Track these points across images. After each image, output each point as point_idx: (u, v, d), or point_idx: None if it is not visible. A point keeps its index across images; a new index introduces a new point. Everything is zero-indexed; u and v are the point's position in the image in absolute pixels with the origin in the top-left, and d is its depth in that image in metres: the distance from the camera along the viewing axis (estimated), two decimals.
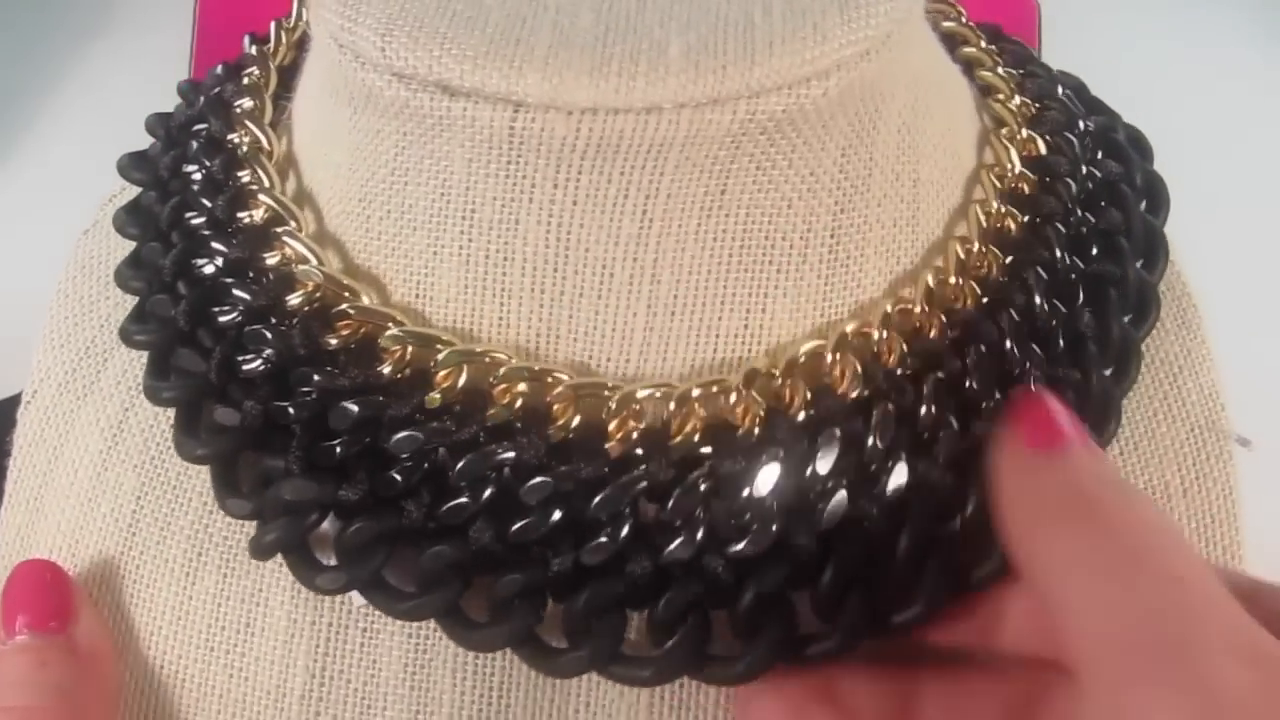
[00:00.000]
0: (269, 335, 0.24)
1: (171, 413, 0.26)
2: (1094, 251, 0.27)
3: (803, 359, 0.23)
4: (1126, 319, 0.27)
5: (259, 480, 0.25)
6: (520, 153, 0.21)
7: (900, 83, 0.24)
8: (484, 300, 0.23)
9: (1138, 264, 0.28)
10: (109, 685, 0.25)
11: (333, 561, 0.24)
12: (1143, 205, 0.29)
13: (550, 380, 0.23)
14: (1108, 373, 0.26)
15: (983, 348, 0.24)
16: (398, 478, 0.23)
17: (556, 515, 0.23)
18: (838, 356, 0.23)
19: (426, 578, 0.23)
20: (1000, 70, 0.29)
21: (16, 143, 0.61)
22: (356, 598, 0.25)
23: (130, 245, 0.28)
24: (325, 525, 0.24)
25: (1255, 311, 0.53)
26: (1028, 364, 0.25)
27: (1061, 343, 0.26)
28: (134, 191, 0.29)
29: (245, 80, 0.28)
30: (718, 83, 0.20)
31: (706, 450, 0.23)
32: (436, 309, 0.24)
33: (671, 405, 0.23)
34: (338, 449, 0.24)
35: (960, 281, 0.25)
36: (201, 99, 0.29)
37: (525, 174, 0.22)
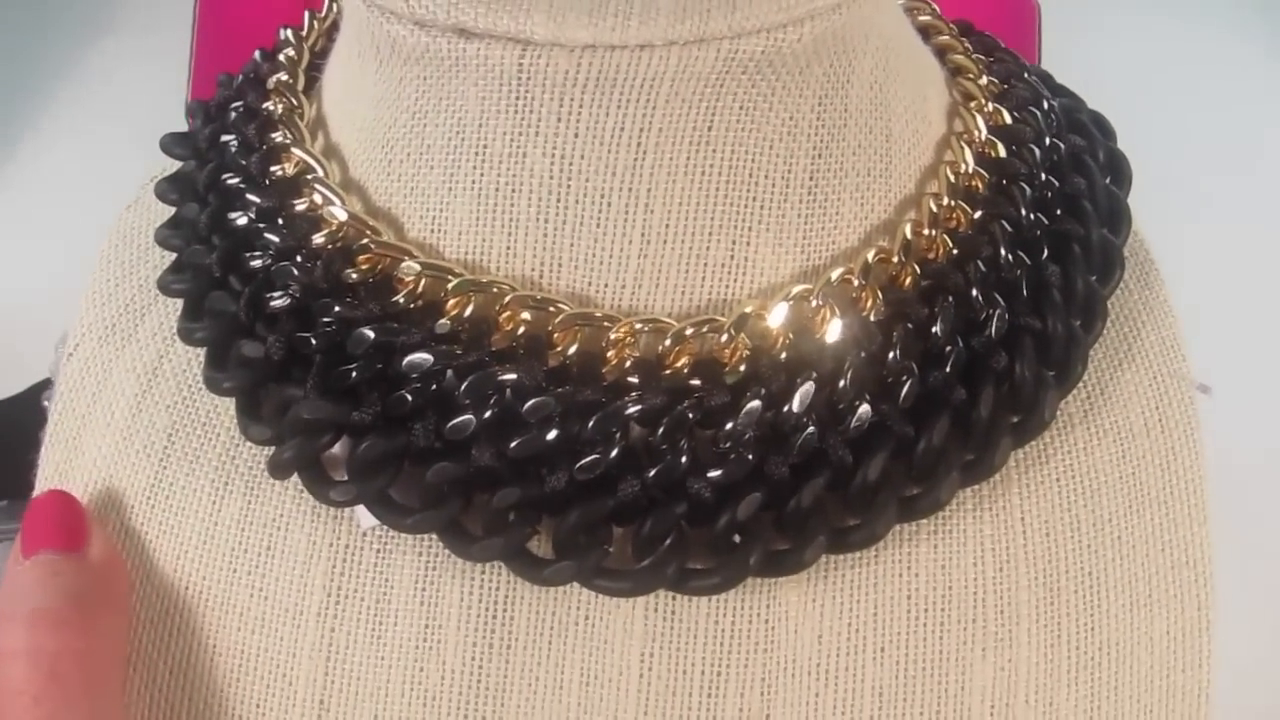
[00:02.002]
0: (295, 272, 0.26)
1: (203, 359, 0.28)
2: (1059, 212, 0.29)
3: (790, 304, 0.25)
4: (1093, 278, 0.29)
5: (280, 409, 0.27)
6: (528, 88, 0.24)
7: (871, 42, 0.26)
8: (493, 231, 0.25)
9: (1102, 229, 0.30)
10: (119, 595, 0.27)
11: (346, 478, 0.26)
12: (1107, 180, 0.32)
13: (552, 309, 0.25)
14: (1076, 324, 0.28)
15: (950, 299, 0.27)
16: (408, 397, 0.25)
17: (553, 434, 0.25)
18: (820, 302, 0.26)
19: (430, 494, 0.25)
20: (971, 55, 0.31)
21: (16, 143, 0.63)
22: (364, 520, 0.27)
23: (170, 214, 0.31)
24: (339, 449, 0.26)
25: (1255, 308, 0.54)
26: (992, 311, 0.27)
27: (1025, 292, 0.28)
28: (174, 168, 0.32)
29: (281, 58, 0.30)
30: (702, 23, 0.23)
31: (696, 383, 0.25)
32: (450, 242, 0.26)
33: (667, 341, 0.25)
34: (353, 374, 0.26)
35: (933, 233, 0.27)
36: (240, 78, 0.31)
37: (532, 109, 0.24)
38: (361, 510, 0.27)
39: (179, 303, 0.29)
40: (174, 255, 0.30)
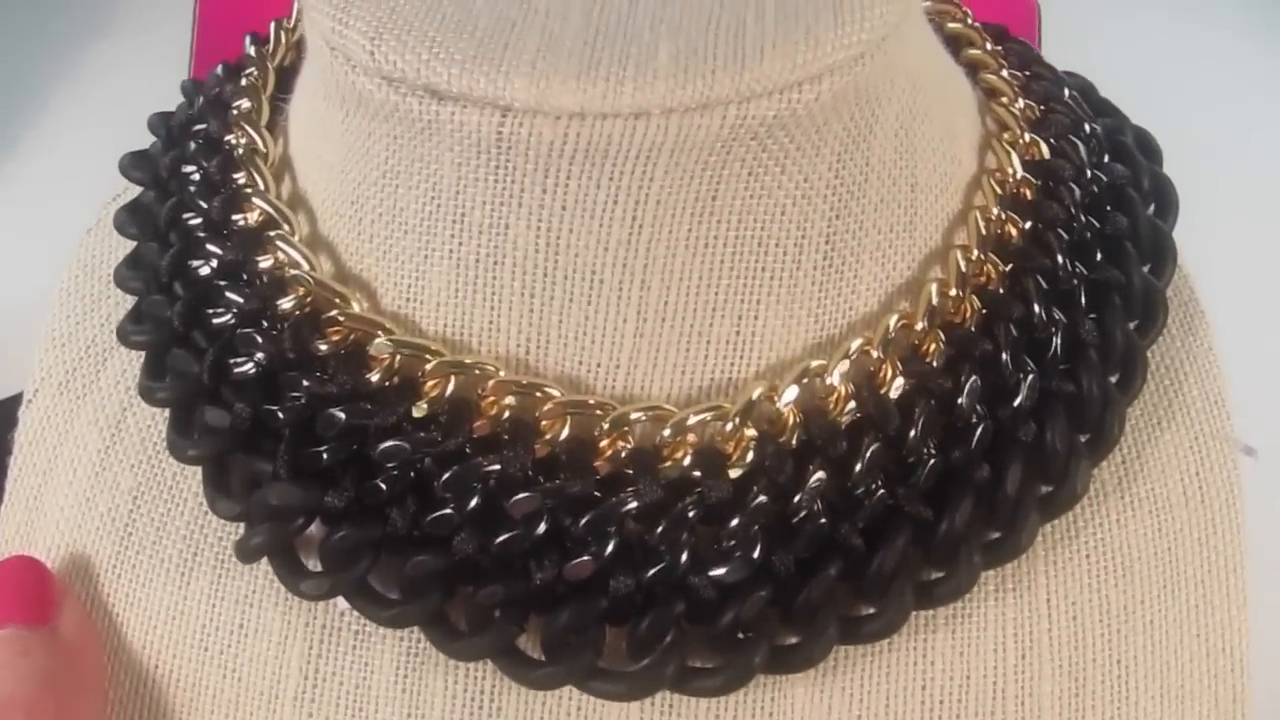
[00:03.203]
0: (259, 339, 0.24)
1: (169, 413, 0.26)
2: (1098, 257, 0.27)
3: (803, 383, 0.23)
4: (1132, 325, 0.27)
5: (248, 482, 0.25)
6: (509, 157, 0.21)
7: (897, 86, 0.23)
8: (474, 305, 0.23)
9: (1145, 269, 0.28)
10: (93, 675, 0.26)
11: (318, 567, 0.24)
12: (1151, 209, 0.29)
13: (540, 395, 0.23)
14: (1113, 380, 0.26)
15: (975, 373, 0.24)
16: (383, 486, 0.23)
17: (541, 529, 0.23)
18: (835, 380, 0.23)
19: (410, 586, 0.23)
20: (1004, 73, 0.28)
21: (16, 143, 0.61)
22: (342, 600, 0.25)
23: (131, 245, 0.28)
24: (313, 529, 0.24)
25: (1259, 314, 0.52)
26: (1022, 377, 0.25)
27: (1060, 351, 0.25)
28: (136, 191, 0.29)
29: (244, 81, 0.28)
30: (706, 88, 0.20)
31: (697, 474, 0.23)
32: (426, 313, 0.23)
33: (666, 430, 0.23)
34: (324, 455, 0.24)
35: (960, 293, 0.25)
36: (201, 99, 0.29)
37: (514, 178, 0.21)
38: None
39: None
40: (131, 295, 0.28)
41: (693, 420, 0.23)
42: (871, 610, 0.24)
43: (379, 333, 0.23)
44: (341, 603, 0.25)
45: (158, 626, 0.26)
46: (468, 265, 0.23)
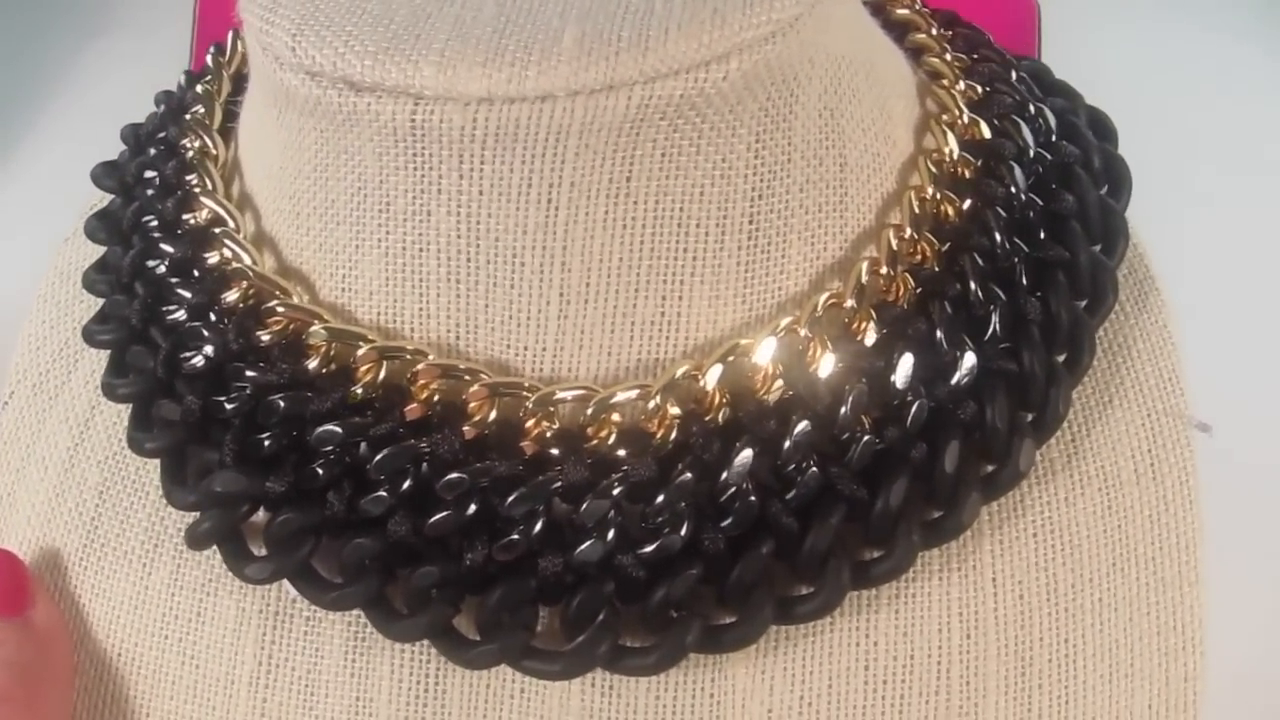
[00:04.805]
0: (206, 333, 0.25)
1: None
2: (1042, 236, 0.27)
3: (727, 361, 0.23)
4: (1081, 304, 0.27)
5: (201, 472, 0.25)
6: (424, 144, 0.22)
7: (818, 66, 0.24)
8: (404, 293, 0.24)
9: (1095, 248, 0.27)
10: (63, 666, 0.26)
11: (264, 552, 0.24)
12: (1104, 190, 0.29)
13: (468, 378, 0.23)
14: (1061, 359, 0.26)
15: (910, 348, 0.24)
16: (319, 471, 0.24)
17: (471, 509, 0.23)
18: (758, 359, 0.23)
19: (349, 568, 0.24)
20: (947, 56, 0.28)
21: (16, 143, 0.62)
22: (290, 588, 0.26)
23: (102, 251, 0.30)
24: (260, 516, 0.25)
25: (1259, 313, 0.51)
26: (960, 355, 0.25)
27: (1001, 330, 0.25)
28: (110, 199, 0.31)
29: (200, 89, 0.29)
30: (610, 69, 0.21)
31: (621, 453, 0.23)
32: (360, 303, 0.24)
33: (590, 409, 0.23)
34: (266, 442, 0.24)
35: (893, 272, 0.25)
36: (164, 107, 0.30)
37: (431, 165, 0.22)
38: None
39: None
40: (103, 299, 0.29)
41: (617, 399, 0.23)
42: (808, 590, 0.24)
43: (315, 322, 0.24)
44: (290, 589, 0.26)
45: (121, 616, 0.27)
46: (395, 254, 0.23)
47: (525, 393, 0.23)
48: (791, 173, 0.24)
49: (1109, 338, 0.28)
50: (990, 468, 0.25)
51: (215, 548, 0.25)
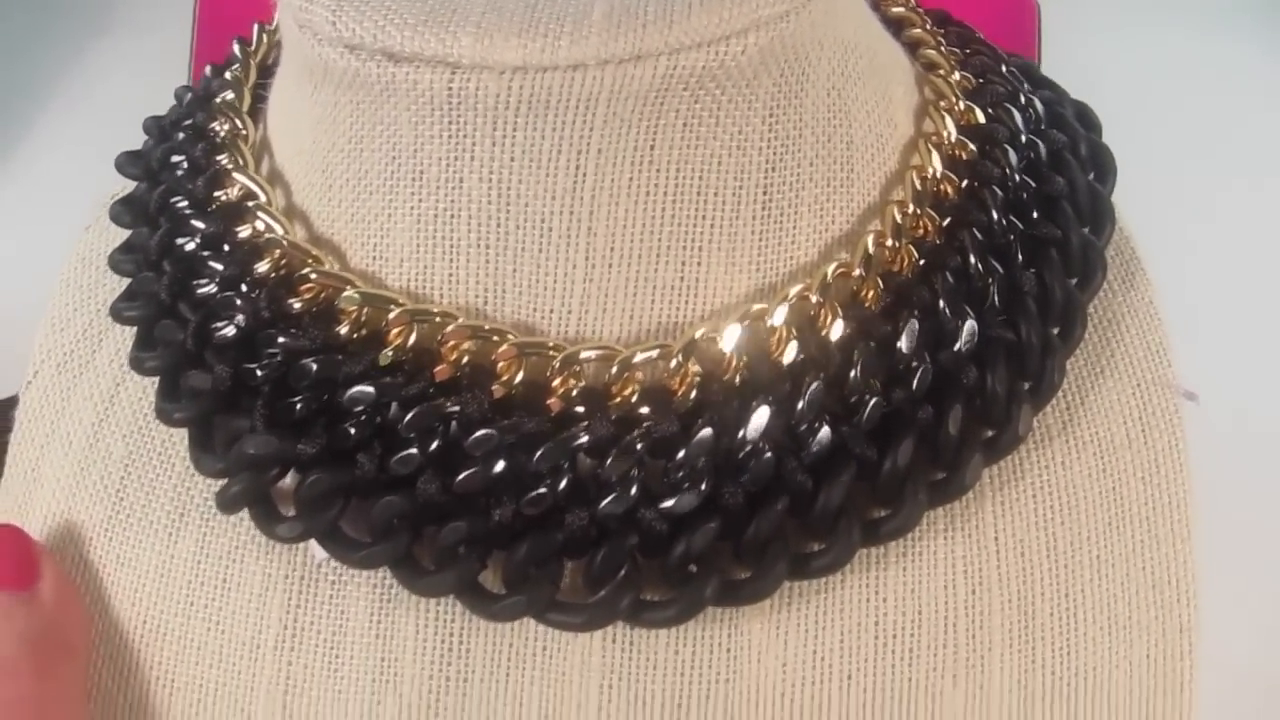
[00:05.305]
0: (239, 302, 0.26)
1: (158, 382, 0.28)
2: (1035, 216, 0.28)
3: (745, 325, 0.24)
4: (1073, 281, 0.28)
5: (230, 440, 0.26)
6: (460, 112, 0.23)
7: (827, 49, 0.25)
8: (434, 259, 0.25)
9: (1084, 229, 0.29)
10: (77, 638, 0.27)
11: (293, 513, 0.25)
12: (1091, 176, 0.30)
13: (496, 339, 0.24)
14: (1055, 332, 0.27)
15: (914, 314, 0.25)
16: (351, 431, 0.24)
17: (499, 466, 0.24)
18: (776, 322, 0.25)
19: (378, 527, 0.25)
20: (943, 48, 0.30)
21: (16, 143, 0.63)
22: (318, 552, 0.26)
23: (126, 236, 0.30)
24: (290, 481, 0.26)
25: (1259, 313, 0.53)
26: (960, 323, 0.26)
27: (999, 302, 0.27)
28: (132, 187, 0.31)
29: (228, 76, 0.30)
30: (637, 40, 0.22)
31: (644, 411, 0.24)
32: (391, 270, 0.25)
33: (614, 369, 0.24)
34: (298, 406, 0.25)
35: (898, 244, 0.26)
36: (190, 96, 0.31)
37: (465, 133, 0.23)
38: (314, 542, 0.26)
39: (133, 329, 0.29)
40: (129, 280, 0.29)
41: (639, 358, 0.24)
42: (820, 547, 0.25)
43: (347, 287, 0.25)
44: (318, 553, 0.26)
45: (146, 585, 0.27)
46: (427, 221, 0.24)
47: (551, 352, 0.24)
48: (802, 147, 0.25)
49: (1099, 314, 0.29)
50: (990, 432, 0.26)
51: (244, 512, 0.26)
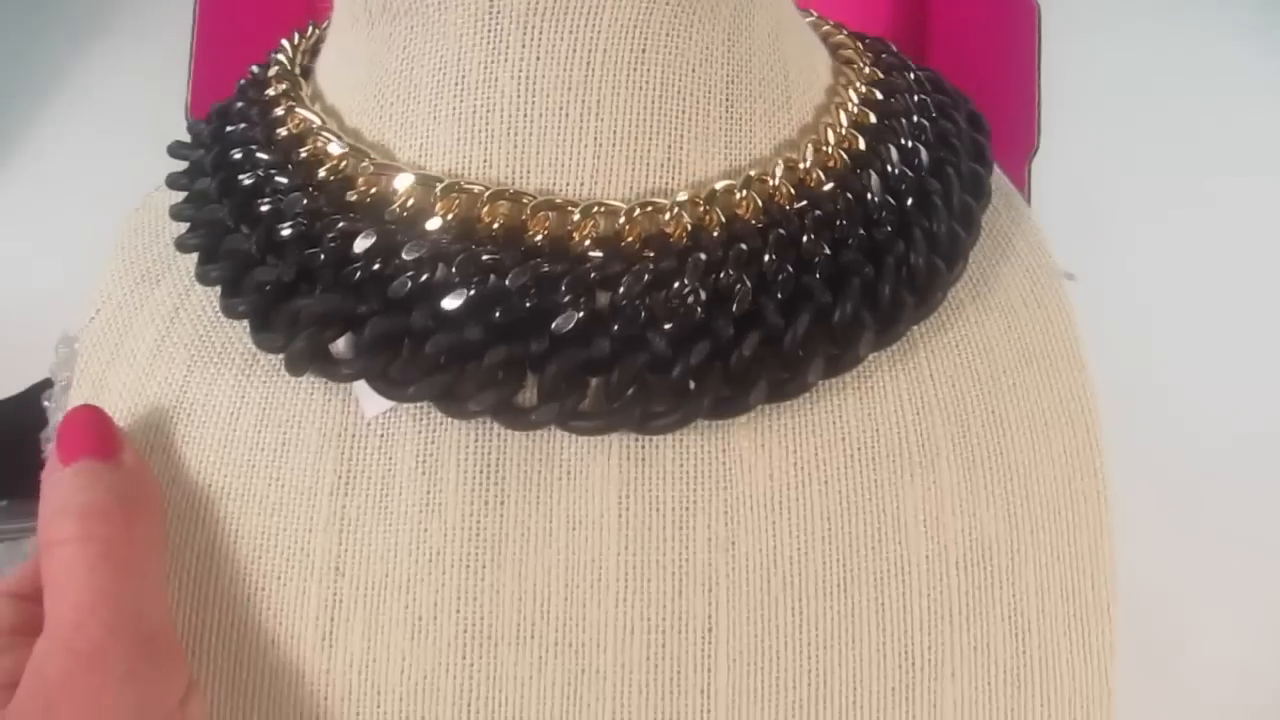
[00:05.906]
0: (305, 201, 0.31)
1: (217, 303, 0.32)
2: (933, 144, 0.36)
3: (720, 192, 0.31)
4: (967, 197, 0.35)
5: (290, 320, 0.31)
6: (498, 22, 0.30)
7: (761, 9, 0.33)
8: (471, 149, 0.31)
9: (971, 164, 0.37)
10: (153, 499, 0.30)
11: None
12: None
13: (525, 200, 0.30)
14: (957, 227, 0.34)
15: (850, 195, 0.32)
16: (407, 283, 0.30)
17: (531, 302, 0.29)
18: (745, 193, 0.31)
19: (427, 364, 0.29)
20: (857, 44, 0.38)
21: (16, 143, 0.63)
22: (369, 409, 0.31)
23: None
24: (344, 346, 0.30)
25: (1253, 307, 0.56)
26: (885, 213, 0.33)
27: (911, 201, 0.34)
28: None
29: (279, 56, 0.36)
30: None
31: (649, 253, 0.30)
32: (435, 162, 0.31)
33: (620, 219, 0.30)
34: (356, 274, 0.30)
35: (833, 150, 0.33)
36: (238, 89, 0.37)
37: (502, 39, 0.30)
38: (365, 401, 0.31)
39: (194, 261, 0.34)
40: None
41: (638, 213, 0.30)
42: (790, 374, 0.31)
43: (400, 171, 0.30)
44: (369, 410, 0.31)
45: (210, 454, 0.31)
46: (466, 117, 0.31)
47: (571, 208, 0.30)
48: (752, 72, 0.32)
49: (988, 226, 0.36)
50: (913, 299, 0.33)
51: (302, 389, 0.31)
